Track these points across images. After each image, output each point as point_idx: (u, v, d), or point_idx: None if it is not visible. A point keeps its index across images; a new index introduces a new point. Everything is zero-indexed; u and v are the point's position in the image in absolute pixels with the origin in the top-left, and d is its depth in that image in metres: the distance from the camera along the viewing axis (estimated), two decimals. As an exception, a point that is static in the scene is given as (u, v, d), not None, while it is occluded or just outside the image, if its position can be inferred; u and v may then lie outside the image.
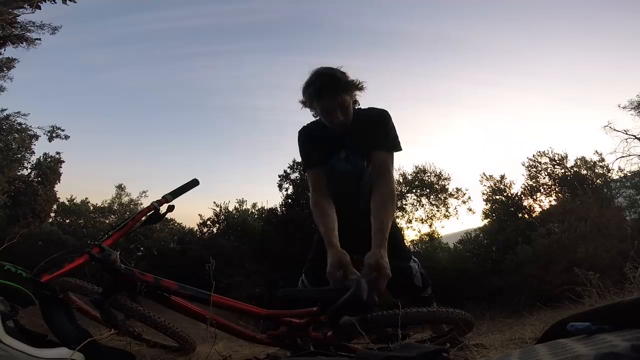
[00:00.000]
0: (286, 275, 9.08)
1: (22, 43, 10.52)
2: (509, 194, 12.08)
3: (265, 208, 12.47)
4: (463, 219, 12.27)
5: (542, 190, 11.93)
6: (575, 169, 11.87)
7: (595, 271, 2.11)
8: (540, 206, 11.74)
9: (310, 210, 1.40)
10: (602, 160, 11.73)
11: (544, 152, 12.32)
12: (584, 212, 8.43)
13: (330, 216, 1.30)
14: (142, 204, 14.62)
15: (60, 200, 14.04)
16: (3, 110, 11.81)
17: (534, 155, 12.44)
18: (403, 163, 12.69)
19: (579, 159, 12.04)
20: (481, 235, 11.93)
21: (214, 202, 12.39)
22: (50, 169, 13.81)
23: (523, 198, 11.97)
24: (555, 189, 11.81)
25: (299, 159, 11.77)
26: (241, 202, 12.69)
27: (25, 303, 0.89)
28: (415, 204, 12.38)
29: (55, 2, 5.38)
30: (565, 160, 12.08)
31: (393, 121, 1.50)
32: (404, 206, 12.07)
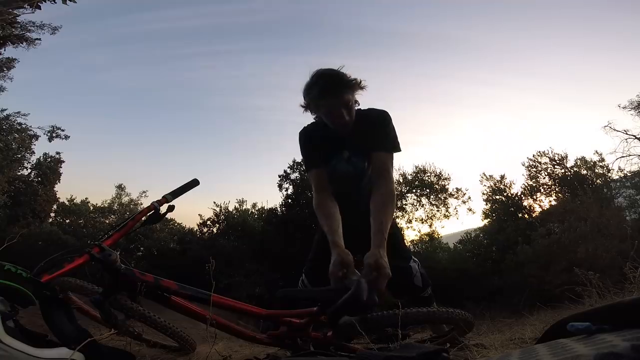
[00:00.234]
0: (286, 275, 9.07)
1: (22, 43, 10.52)
2: (509, 194, 12.07)
3: (265, 208, 12.48)
4: (463, 219, 12.28)
5: (542, 190, 11.92)
6: (575, 169, 11.86)
7: (595, 271, 2.11)
8: (540, 206, 11.75)
9: (311, 210, 1.41)
10: (602, 160, 11.73)
11: (544, 152, 12.33)
12: (584, 212, 8.42)
13: (334, 216, 1.31)
14: (142, 204, 14.63)
15: (60, 200, 14.05)
16: (3, 110, 11.82)
17: (534, 155, 12.45)
18: (403, 163, 12.70)
19: (579, 159, 12.05)
20: (481, 235, 11.92)
21: (214, 202, 12.41)
22: (50, 169, 13.80)
23: (523, 198, 11.97)
24: (555, 189, 11.81)
25: (299, 159, 11.80)
26: (241, 202, 12.70)
27: (25, 303, 0.89)
28: (415, 204, 12.38)
29: (55, 2, 5.38)
30: (565, 160, 12.08)
31: (393, 122, 1.50)
32: (404, 206, 12.07)
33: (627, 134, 11.43)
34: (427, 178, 12.34)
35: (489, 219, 12.01)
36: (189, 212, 13.82)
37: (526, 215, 11.42)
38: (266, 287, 9.50)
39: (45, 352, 0.84)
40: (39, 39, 10.75)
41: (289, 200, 11.66)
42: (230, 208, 12.39)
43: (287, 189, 12.00)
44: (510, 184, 12.24)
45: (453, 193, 12.25)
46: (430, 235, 12.13)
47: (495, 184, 12.34)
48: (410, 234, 12.27)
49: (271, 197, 18.14)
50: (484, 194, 12.39)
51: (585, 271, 2.08)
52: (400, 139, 1.49)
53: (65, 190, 15.61)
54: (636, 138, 11.26)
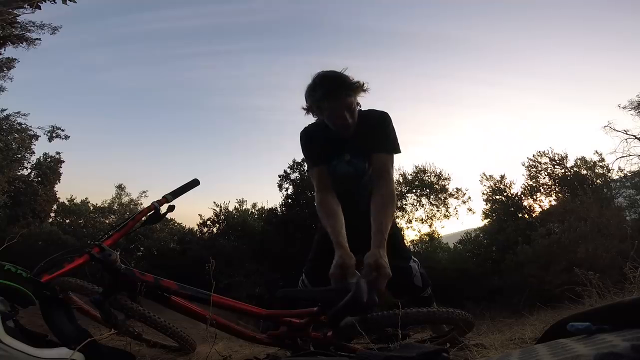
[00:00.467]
0: (286, 275, 9.07)
1: (22, 43, 10.51)
2: (509, 194, 12.07)
3: (265, 208, 12.48)
4: (463, 219, 12.28)
5: (542, 190, 11.92)
6: (575, 169, 11.86)
7: (595, 271, 2.11)
8: (540, 206, 11.75)
9: (311, 210, 1.41)
10: (602, 160, 11.73)
11: (544, 152, 12.33)
12: (584, 212, 8.42)
13: (338, 216, 1.30)
14: (142, 204, 14.63)
15: (60, 200, 14.04)
16: (3, 110, 11.81)
17: (534, 155, 12.44)
18: (403, 163, 12.70)
19: (579, 159, 12.04)
20: (481, 235, 11.92)
21: (214, 202, 12.40)
22: (50, 169, 13.80)
23: (523, 198, 11.97)
24: (555, 189, 11.81)
25: (299, 159, 11.83)
26: (241, 202, 12.70)
27: (25, 303, 0.89)
28: (415, 204, 12.38)
29: (55, 2, 5.38)
30: (565, 160, 12.08)
31: (393, 123, 1.50)
32: (404, 206, 12.07)
33: (627, 134, 11.43)
34: (427, 178, 12.34)
35: (489, 219, 12.01)
36: (189, 212, 13.83)
37: (526, 215, 11.42)
38: (266, 287, 9.50)
39: (45, 352, 0.84)
40: (39, 39, 10.76)
41: (289, 200, 11.66)
42: (230, 208, 12.40)
43: (287, 189, 12.02)
44: (510, 184, 12.25)
45: (453, 193, 12.27)
46: (430, 235, 12.12)
47: (495, 184, 12.34)
48: (410, 234, 12.29)
49: (271, 197, 18.17)
50: (484, 194, 12.41)
51: (585, 271, 2.08)
52: (400, 139, 1.50)
53: (65, 190, 15.62)
54: (636, 138, 11.27)
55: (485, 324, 2.81)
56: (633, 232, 3.98)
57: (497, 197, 12.10)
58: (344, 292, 0.97)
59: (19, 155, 12.47)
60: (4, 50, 10.23)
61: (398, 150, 1.48)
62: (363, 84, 1.39)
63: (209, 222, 12.33)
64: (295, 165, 12.01)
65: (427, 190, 12.26)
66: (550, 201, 11.65)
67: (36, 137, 12.57)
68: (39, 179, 13.64)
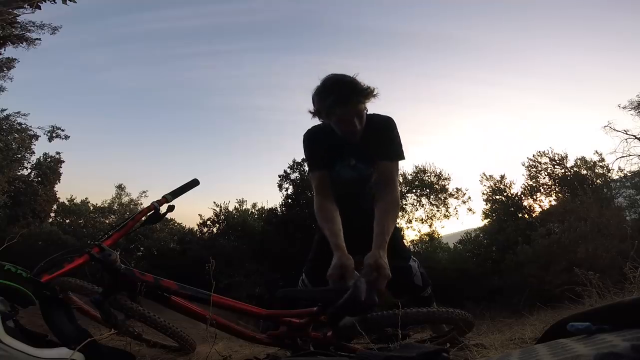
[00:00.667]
0: (286, 275, 9.07)
1: (22, 43, 10.51)
2: (509, 194, 12.07)
3: (265, 208, 12.48)
4: (463, 219, 12.27)
5: (542, 190, 11.92)
6: (575, 169, 11.85)
7: (595, 271, 2.11)
8: (540, 206, 11.74)
9: (311, 210, 1.41)
10: (602, 160, 11.72)
11: (544, 152, 12.32)
12: (584, 212, 8.42)
13: (335, 219, 1.31)
14: (142, 204, 14.62)
15: (60, 200, 14.04)
16: (3, 110, 11.81)
17: (534, 155, 12.44)
18: (403, 163, 12.56)
19: (579, 159, 12.04)
20: (481, 235, 11.92)
21: (214, 202, 12.40)
22: (50, 169, 13.79)
23: (523, 198, 11.97)
24: (555, 189, 11.80)
25: (299, 159, 11.81)
26: (241, 202, 12.70)
27: (25, 303, 0.89)
28: (415, 204, 12.38)
29: (55, 2, 5.38)
30: (565, 160, 12.07)
31: (397, 128, 1.49)
32: (404, 206, 12.06)
33: (627, 134, 11.43)
34: (427, 178, 12.35)
35: (489, 219, 12.01)
36: (189, 212, 13.83)
37: (526, 215, 11.42)
38: (266, 287, 9.50)
39: (45, 352, 0.84)
40: (39, 39, 10.76)
41: (289, 200, 11.66)
42: (230, 208, 12.40)
43: (287, 189, 12.02)
44: (510, 184, 12.25)
45: (453, 193, 12.27)
46: (430, 235, 12.12)
47: (495, 184, 12.34)
48: (410, 234, 12.28)
49: (271, 197, 18.14)
50: (484, 194, 12.40)
51: (585, 271, 2.08)
52: (401, 140, 1.49)
53: (65, 190, 15.61)
54: (636, 138, 11.26)
55: (485, 324, 2.81)
56: (633, 232, 3.97)
57: (497, 197, 12.10)
58: (342, 292, 0.98)
59: (19, 155, 12.46)
60: (4, 50, 10.24)
61: (402, 157, 1.48)
62: (374, 90, 1.35)
63: (209, 222, 12.34)
64: (295, 165, 12.02)
65: (427, 190, 12.26)
66: (550, 201, 11.66)
67: (36, 137, 12.58)
68: (39, 179, 13.64)
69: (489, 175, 12.48)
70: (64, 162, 14.18)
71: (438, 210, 12.24)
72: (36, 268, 1.00)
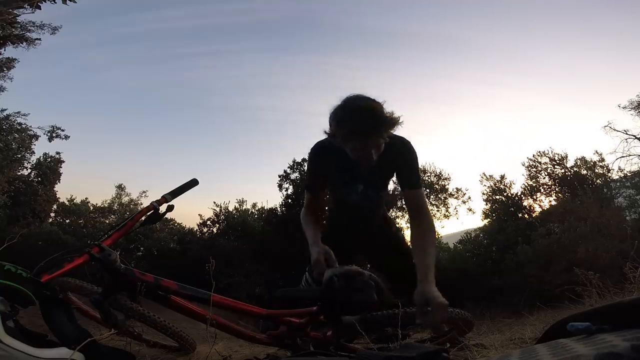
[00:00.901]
0: (286, 275, 9.07)
1: (22, 43, 10.52)
2: (509, 194, 12.07)
3: (265, 208, 12.48)
4: (463, 219, 12.32)
5: (542, 190, 11.92)
6: (575, 169, 11.86)
7: (595, 271, 2.11)
8: (540, 206, 11.75)
9: None
10: (602, 160, 11.72)
11: (544, 152, 12.33)
12: (584, 212, 8.42)
13: (317, 225, 1.44)
14: (142, 204, 14.61)
15: (60, 200, 14.04)
16: (3, 110, 11.82)
17: (534, 155, 12.45)
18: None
19: (579, 159, 12.04)
20: (481, 235, 11.92)
21: (214, 202, 12.40)
22: (50, 169, 13.80)
23: (523, 198, 11.97)
24: (555, 189, 11.81)
25: (299, 159, 11.73)
26: (241, 202, 12.70)
27: (25, 303, 0.89)
28: (415, 204, 12.36)
29: (55, 2, 5.39)
30: (565, 160, 12.08)
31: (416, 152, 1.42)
32: (404, 206, 12.08)
33: (627, 134, 11.42)
34: (427, 178, 12.34)
35: (489, 219, 12.02)
36: (189, 212, 13.84)
37: (526, 215, 11.42)
38: (266, 287, 9.51)
39: (45, 352, 0.84)
40: (39, 39, 10.77)
41: (289, 200, 11.67)
42: (230, 208, 12.41)
43: (287, 189, 12.03)
44: (510, 184, 12.26)
45: (453, 193, 12.29)
46: (430, 235, 12.10)
47: (495, 184, 12.35)
48: (411, 234, 12.25)
49: (271, 197, 18.12)
50: (484, 194, 12.41)
51: (585, 271, 2.08)
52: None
53: (65, 190, 15.59)
54: (636, 138, 11.26)
55: (485, 324, 2.81)
56: (633, 232, 3.97)
57: (497, 197, 12.11)
58: (319, 284, 1.06)
59: (19, 155, 12.47)
60: (4, 50, 10.25)
61: (421, 181, 1.46)
62: (399, 119, 1.24)
63: (209, 222, 12.34)
64: (295, 165, 12.03)
65: (427, 190, 12.26)
66: (550, 201, 11.67)
67: (36, 137, 12.59)
68: (39, 179, 13.64)
69: (489, 175, 12.50)
70: (64, 162, 14.20)
71: (438, 210, 12.26)
72: (36, 268, 0.99)
